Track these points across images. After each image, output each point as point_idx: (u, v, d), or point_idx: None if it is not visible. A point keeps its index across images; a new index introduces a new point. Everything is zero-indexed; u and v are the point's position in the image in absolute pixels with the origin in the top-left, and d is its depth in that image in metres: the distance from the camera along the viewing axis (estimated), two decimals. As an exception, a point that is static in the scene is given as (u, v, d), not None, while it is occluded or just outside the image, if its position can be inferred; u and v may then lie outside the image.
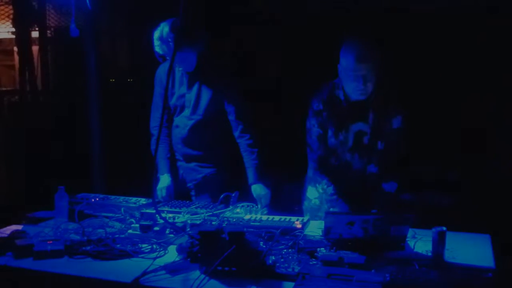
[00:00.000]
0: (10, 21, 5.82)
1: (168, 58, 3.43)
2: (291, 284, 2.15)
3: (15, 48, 5.97)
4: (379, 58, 2.92)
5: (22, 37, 5.78)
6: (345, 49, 2.94)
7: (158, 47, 3.36)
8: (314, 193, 3.19)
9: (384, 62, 2.93)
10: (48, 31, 5.88)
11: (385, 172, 3.07)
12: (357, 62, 2.87)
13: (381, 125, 3.04)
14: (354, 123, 3.05)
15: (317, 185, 3.15)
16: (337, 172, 3.12)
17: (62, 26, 5.80)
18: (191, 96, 3.49)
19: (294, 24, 4.42)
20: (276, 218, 2.90)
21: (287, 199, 3.52)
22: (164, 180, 3.54)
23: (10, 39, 6.12)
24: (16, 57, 5.93)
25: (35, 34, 5.84)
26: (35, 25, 5.81)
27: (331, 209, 3.07)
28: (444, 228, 2.40)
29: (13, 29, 5.85)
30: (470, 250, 2.55)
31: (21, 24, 5.73)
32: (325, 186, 3.11)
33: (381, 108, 3.02)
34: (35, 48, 5.84)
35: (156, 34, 3.33)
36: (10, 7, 5.77)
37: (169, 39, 3.28)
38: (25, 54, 5.78)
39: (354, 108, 3.03)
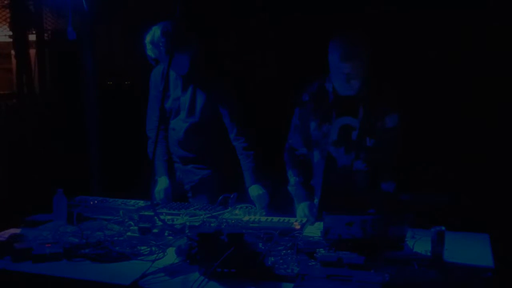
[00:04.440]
0: (7, 24, 5.82)
1: (160, 61, 3.44)
2: (290, 285, 2.16)
3: (12, 52, 5.96)
4: (366, 56, 2.89)
5: (19, 40, 5.77)
6: (332, 46, 2.92)
7: (150, 51, 3.37)
8: None
9: (375, 58, 2.92)
10: (45, 34, 5.87)
11: (383, 171, 3.06)
12: (341, 60, 2.86)
13: (372, 122, 3.00)
14: (340, 116, 3.03)
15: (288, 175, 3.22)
16: (321, 166, 3.11)
17: (59, 29, 5.79)
18: (185, 99, 3.49)
19: (291, 23, 4.41)
20: (275, 219, 2.90)
21: (286, 200, 3.52)
22: (162, 182, 3.53)
23: (7, 42, 6.11)
24: (14, 60, 5.92)
25: (32, 37, 5.83)
26: (32, 28, 5.81)
27: (295, 200, 3.14)
28: (443, 228, 2.40)
29: (10, 33, 5.84)
30: (469, 249, 2.56)
31: (18, 27, 5.72)
32: (288, 177, 3.17)
33: (372, 104, 2.99)
34: (32, 51, 5.83)
35: (148, 38, 3.35)
36: (7, 10, 5.76)
37: (160, 43, 3.29)
38: (22, 57, 5.77)
39: (342, 101, 3.01)
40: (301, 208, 3.08)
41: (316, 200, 3.13)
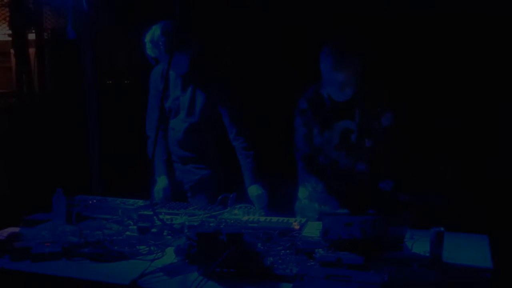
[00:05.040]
0: (7, 23, 5.82)
1: (160, 60, 3.44)
2: (289, 285, 2.15)
3: (12, 50, 5.96)
4: (359, 64, 2.87)
5: (18, 39, 5.77)
6: (324, 54, 2.89)
7: (149, 50, 3.37)
8: (304, 193, 3.21)
9: (368, 63, 2.91)
10: (45, 33, 5.88)
11: (380, 170, 3.06)
12: (334, 70, 2.84)
13: (368, 123, 3.01)
14: (339, 121, 3.03)
15: (306, 183, 3.16)
16: (326, 170, 3.11)
17: (59, 28, 5.79)
18: (185, 98, 3.48)
19: (292, 23, 4.42)
20: (274, 219, 2.90)
21: (285, 200, 3.52)
22: (161, 182, 3.53)
23: (7, 41, 6.11)
24: (13, 59, 5.92)
25: (31, 36, 5.84)
26: (32, 27, 5.81)
27: (322, 207, 3.10)
28: (442, 229, 2.40)
29: (10, 31, 5.84)
30: (468, 250, 2.55)
31: (17, 26, 5.72)
32: (314, 184, 3.12)
33: (367, 105, 2.99)
34: (32, 50, 5.83)
35: (148, 37, 3.35)
36: (7, 9, 5.77)
37: (160, 43, 3.29)
38: (22, 56, 5.78)
39: (339, 106, 3.01)
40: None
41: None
